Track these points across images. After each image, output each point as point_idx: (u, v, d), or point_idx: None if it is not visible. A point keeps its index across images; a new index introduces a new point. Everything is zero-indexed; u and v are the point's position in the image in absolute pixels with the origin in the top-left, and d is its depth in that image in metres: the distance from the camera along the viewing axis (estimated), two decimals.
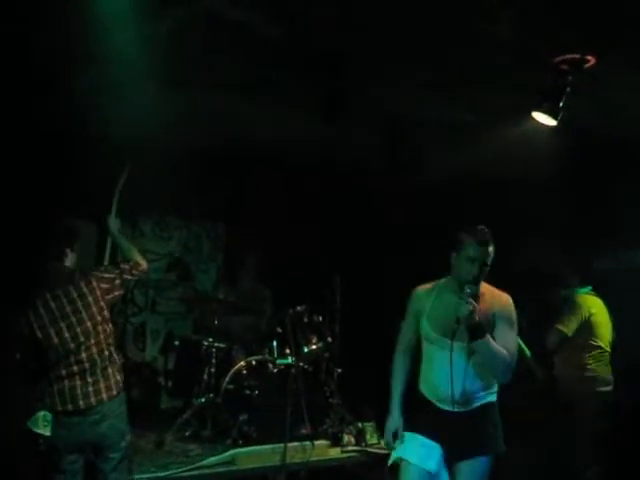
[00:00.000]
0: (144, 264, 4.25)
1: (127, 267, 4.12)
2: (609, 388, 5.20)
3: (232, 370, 5.79)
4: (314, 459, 5.32)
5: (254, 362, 5.94)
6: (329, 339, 6.19)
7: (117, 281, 4.01)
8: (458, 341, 3.64)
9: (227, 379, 5.75)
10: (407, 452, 3.80)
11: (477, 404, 3.77)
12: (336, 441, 5.61)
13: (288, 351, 5.96)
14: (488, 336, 3.58)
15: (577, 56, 4.30)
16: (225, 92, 5.28)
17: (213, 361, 6.00)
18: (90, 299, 3.86)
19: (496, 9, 3.86)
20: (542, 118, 4.66)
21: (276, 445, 5.18)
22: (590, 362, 5.17)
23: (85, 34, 4.08)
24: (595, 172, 5.92)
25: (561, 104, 4.50)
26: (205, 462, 4.95)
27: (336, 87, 4.78)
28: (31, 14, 4.05)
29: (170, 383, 6.35)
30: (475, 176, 6.12)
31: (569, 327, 5.19)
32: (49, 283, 3.88)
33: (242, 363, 5.88)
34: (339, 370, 6.21)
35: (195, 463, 4.92)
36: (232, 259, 7.64)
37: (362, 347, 6.64)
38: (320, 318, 6.20)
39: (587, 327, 5.21)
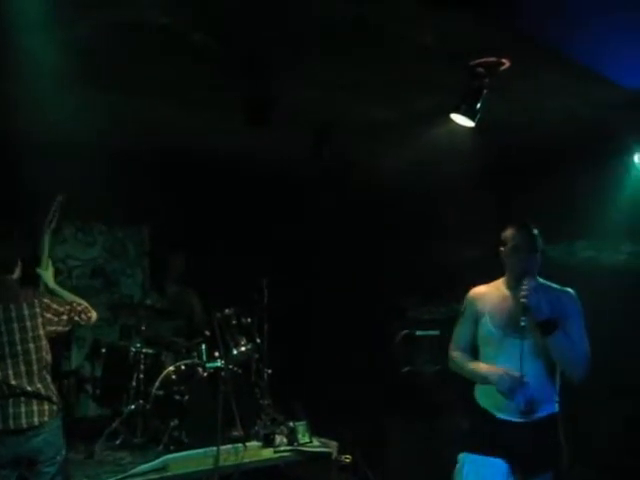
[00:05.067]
0: (94, 314, 4.09)
1: (79, 308, 3.97)
2: None
3: (161, 376, 5.76)
4: (247, 461, 5.35)
5: (183, 367, 5.92)
6: (258, 340, 6.24)
7: (64, 317, 3.87)
8: (528, 338, 3.45)
9: (156, 385, 5.71)
10: (468, 478, 3.51)
11: (542, 413, 3.51)
12: (268, 442, 5.65)
13: (217, 354, 5.97)
14: (561, 330, 3.40)
15: (492, 59, 4.44)
16: (149, 96, 5.24)
17: (141, 367, 5.92)
18: (28, 324, 3.72)
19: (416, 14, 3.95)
20: (460, 119, 4.78)
21: (208, 449, 5.19)
22: None
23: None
24: (515, 171, 6.12)
25: (478, 106, 4.64)
26: (137, 469, 4.91)
27: (260, 91, 4.81)
28: None
29: (98, 391, 6.23)
30: (402, 176, 6.23)
31: None
32: None
33: (171, 368, 5.86)
34: (269, 371, 6.26)
35: (127, 471, 4.88)
36: (157, 263, 7.56)
37: (291, 347, 6.71)
38: (249, 320, 6.24)
39: None
